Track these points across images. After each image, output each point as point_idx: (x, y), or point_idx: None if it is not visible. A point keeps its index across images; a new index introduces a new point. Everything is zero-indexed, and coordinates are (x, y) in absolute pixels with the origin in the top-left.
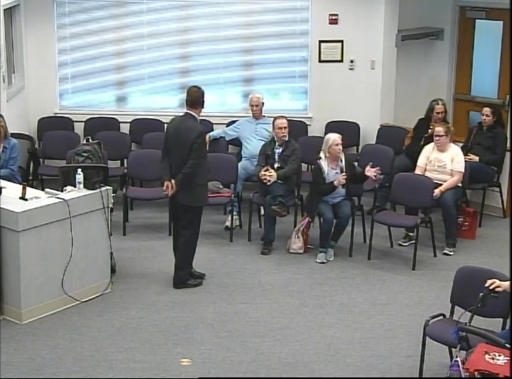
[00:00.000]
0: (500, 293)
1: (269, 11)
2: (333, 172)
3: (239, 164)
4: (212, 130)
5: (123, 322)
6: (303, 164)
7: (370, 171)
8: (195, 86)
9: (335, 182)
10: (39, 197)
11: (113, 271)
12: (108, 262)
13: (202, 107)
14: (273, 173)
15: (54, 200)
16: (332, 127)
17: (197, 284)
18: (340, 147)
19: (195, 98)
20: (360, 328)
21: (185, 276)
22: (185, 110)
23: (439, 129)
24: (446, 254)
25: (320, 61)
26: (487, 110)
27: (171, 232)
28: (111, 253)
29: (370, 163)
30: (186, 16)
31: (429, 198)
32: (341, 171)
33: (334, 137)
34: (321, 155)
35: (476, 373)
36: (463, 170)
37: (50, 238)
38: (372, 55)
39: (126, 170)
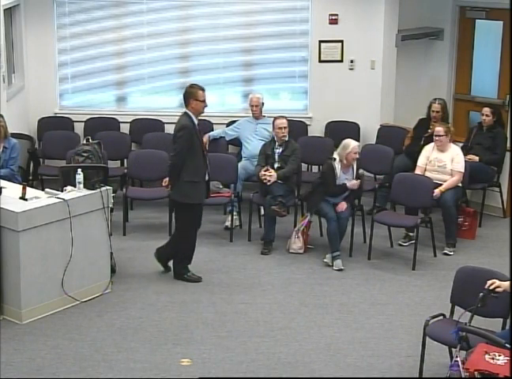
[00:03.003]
0: (500, 293)
1: (268, 11)
2: (343, 176)
3: (239, 164)
4: (212, 130)
5: (123, 322)
6: (303, 164)
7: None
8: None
9: (348, 184)
10: (39, 197)
11: (113, 271)
12: (108, 262)
13: (194, 102)
14: (273, 173)
15: (54, 200)
16: (332, 127)
17: (195, 280)
18: (358, 155)
19: (183, 95)
20: (360, 328)
21: (180, 270)
22: None
23: (439, 129)
24: (446, 254)
25: (320, 61)
26: (487, 110)
27: (171, 232)
28: (111, 253)
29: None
30: (186, 16)
31: (429, 198)
32: (357, 178)
33: (354, 145)
34: (336, 157)
35: (476, 373)
36: (463, 170)
37: (50, 238)
38: (372, 55)
39: (126, 170)
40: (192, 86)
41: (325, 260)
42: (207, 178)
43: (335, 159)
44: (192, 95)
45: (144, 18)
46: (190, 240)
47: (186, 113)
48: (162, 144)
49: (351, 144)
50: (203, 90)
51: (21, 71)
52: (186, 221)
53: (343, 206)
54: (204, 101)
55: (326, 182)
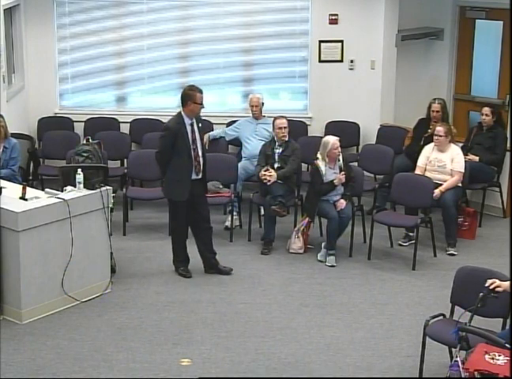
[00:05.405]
0: (500, 293)
1: (269, 11)
2: (330, 171)
3: (239, 164)
4: (212, 130)
5: (123, 322)
6: (303, 164)
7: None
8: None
9: (335, 181)
10: (39, 197)
11: (113, 271)
12: (108, 262)
13: (192, 105)
14: (273, 173)
15: (54, 200)
16: (332, 127)
17: (182, 275)
18: (339, 149)
19: (181, 96)
20: (360, 328)
21: (175, 264)
22: None
23: (440, 129)
24: (451, 255)
25: (320, 61)
26: (486, 109)
27: (170, 232)
28: (111, 253)
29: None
30: (186, 16)
31: (429, 198)
32: (340, 170)
33: (333, 141)
34: (319, 156)
35: (475, 373)
36: (463, 170)
37: (50, 238)
38: (372, 55)
39: (126, 170)
40: (191, 88)
41: (318, 258)
42: (195, 177)
43: (317, 159)
44: (191, 97)
45: (145, 18)
46: (176, 235)
47: (179, 113)
48: None
49: (330, 141)
50: (201, 92)
51: (21, 71)
52: (172, 216)
53: (342, 204)
54: (201, 104)
55: (314, 183)
